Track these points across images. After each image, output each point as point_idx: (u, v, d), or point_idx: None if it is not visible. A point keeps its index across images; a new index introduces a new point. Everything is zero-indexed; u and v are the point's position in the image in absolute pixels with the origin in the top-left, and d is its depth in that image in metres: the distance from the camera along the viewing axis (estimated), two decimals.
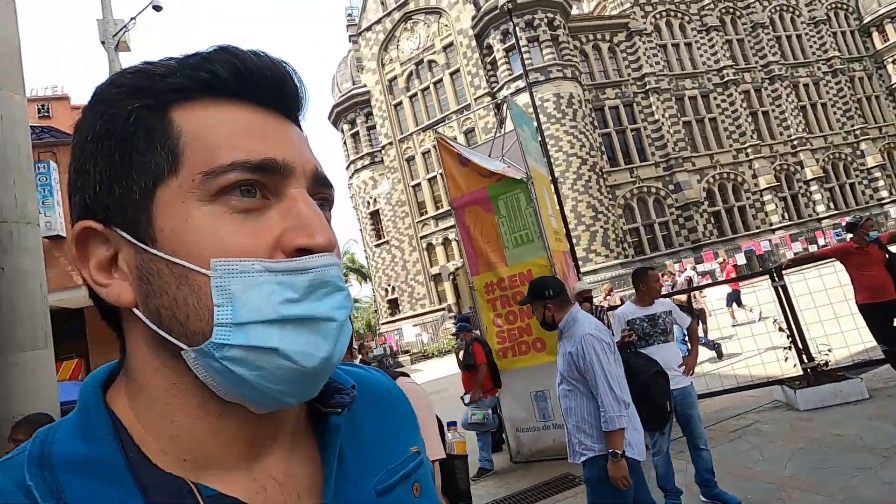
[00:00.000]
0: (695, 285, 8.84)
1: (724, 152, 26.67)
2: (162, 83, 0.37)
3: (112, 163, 0.37)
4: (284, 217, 0.37)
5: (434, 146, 25.19)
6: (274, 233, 0.36)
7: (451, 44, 25.07)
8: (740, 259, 20.67)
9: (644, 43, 26.25)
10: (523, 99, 22.55)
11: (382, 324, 27.58)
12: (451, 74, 25.27)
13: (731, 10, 28.75)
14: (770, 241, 24.07)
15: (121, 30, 9.59)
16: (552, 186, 5.23)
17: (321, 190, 0.41)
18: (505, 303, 4.65)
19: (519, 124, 4.77)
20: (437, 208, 25.12)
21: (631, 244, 24.03)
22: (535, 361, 4.53)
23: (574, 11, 27.26)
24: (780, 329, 4.46)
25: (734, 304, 10.15)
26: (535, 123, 7.53)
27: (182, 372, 0.37)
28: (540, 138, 7.21)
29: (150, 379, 0.38)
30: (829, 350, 4.30)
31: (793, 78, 28.76)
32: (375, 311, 31.08)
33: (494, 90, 23.78)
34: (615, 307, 5.20)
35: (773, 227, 25.88)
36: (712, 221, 25.44)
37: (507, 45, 23.11)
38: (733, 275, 12.24)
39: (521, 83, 22.65)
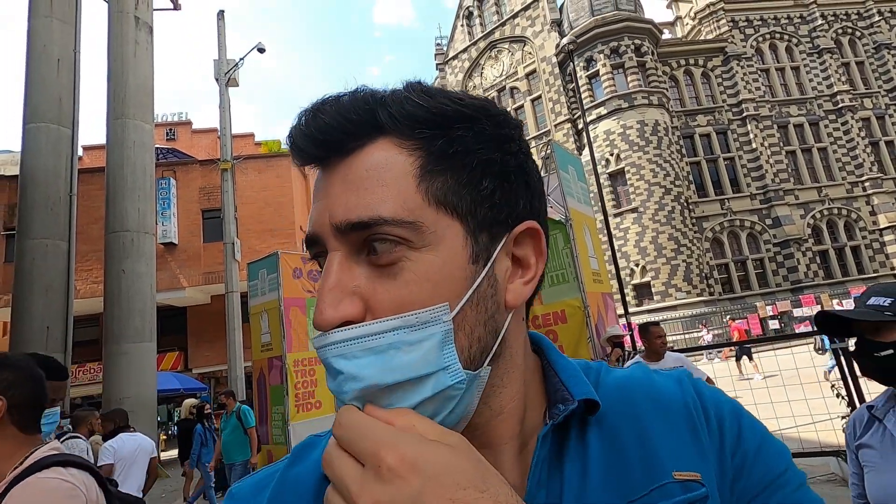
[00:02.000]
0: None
1: (836, 185, 24.05)
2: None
3: None
4: None
5: None
6: None
7: (533, 71, 25.35)
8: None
9: (743, 67, 24.68)
10: (605, 126, 22.16)
11: None
12: (533, 101, 25.49)
13: (850, 31, 26.16)
14: None
15: (231, 68, 11.05)
16: (595, 226, 5.23)
17: (363, 235, 0.37)
18: None
19: (562, 166, 4.88)
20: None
21: (718, 280, 22.35)
22: None
23: (666, 36, 26.40)
24: (839, 396, 4.08)
25: (744, 358, 9.39)
26: (590, 157, 7.54)
27: None
28: (594, 174, 7.17)
29: None
30: None
31: None
32: None
33: (575, 117, 23.59)
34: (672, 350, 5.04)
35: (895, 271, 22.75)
36: (818, 261, 22.93)
37: (590, 72, 22.92)
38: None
39: (602, 110, 22.29)
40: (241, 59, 10.81)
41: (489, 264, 0.38)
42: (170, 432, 18.38)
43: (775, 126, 24.40)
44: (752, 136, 23.96)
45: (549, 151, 4.70)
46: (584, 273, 4.48)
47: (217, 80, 11.15)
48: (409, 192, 0.37)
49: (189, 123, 20.25)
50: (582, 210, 5.02)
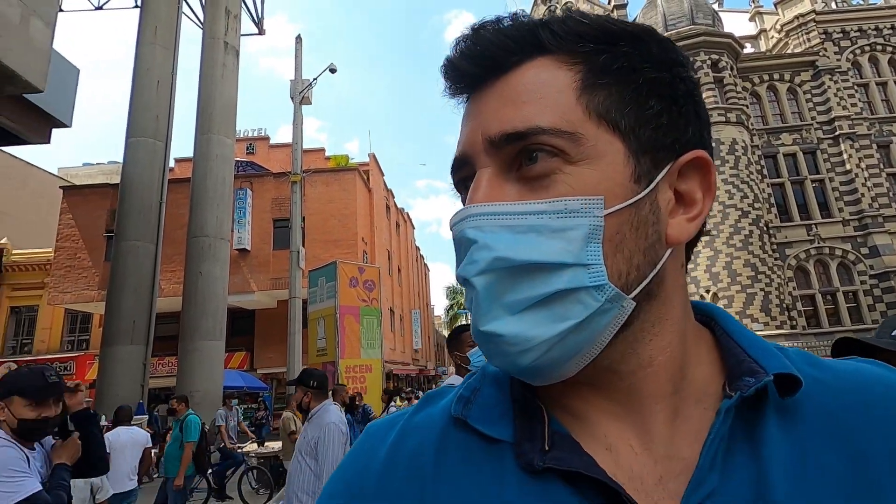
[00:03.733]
0: None
1: None
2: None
3: None
4: None
5: None
6: None
7: None
8: None
9: (836, 82, 22.72)
10: None
11: None
12: None
13: None
14: None
15: (305, 88, 11.79)
16: None
17: (518, 147, 0.36)
18: None
19: None
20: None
21: (802, 313, 20.43)
22: None
23: (748, 50, 24.94)
24: None
25: None
26: None
27: None
28: None
29: None
30: None
31: None
32: None
33: None
34: None
35: None
36: None
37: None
38: None
39: None
40: (315, 79, 11.55)
41: (652, 185, 0.36)
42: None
43: (874, 146, 22.14)
44: (846, 156, 21.90)
45: None
46: None
47: (292, 98, 11.95)
48: (569, 105, 0.36)
49: (267, 139, 21.77)
50: None
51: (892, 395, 0.36)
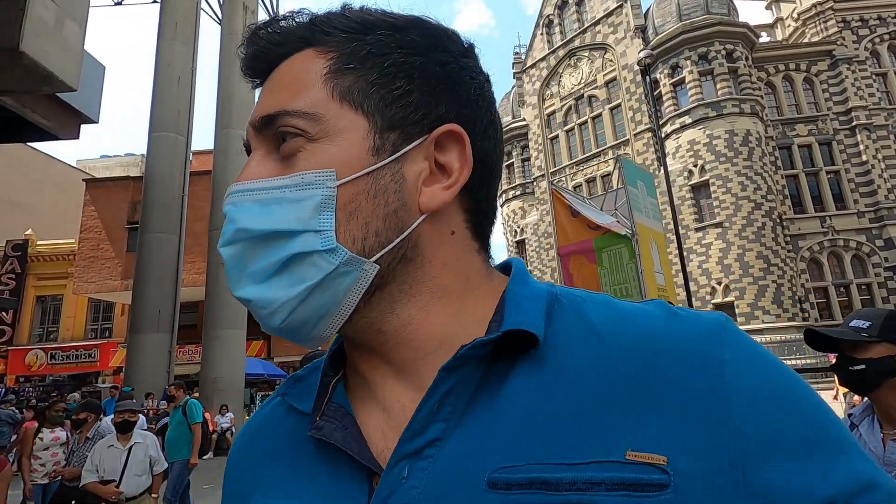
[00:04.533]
0: None
1: None
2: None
3: None
4: None
5: (587, 180, 24.96)
6: None
7: (614, 79, 24.71)
8: None
9: (854, 72, 22.38)
10: (689, 135, 21.13)
11: None
12: (612, 109, 24.82)
13: None
14: None
15: None
16: (664, 242, 5.16)
17: (273, 131, 0.39)
18: None
19: (631, 181, 4.92)
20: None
21: (815, 305, 20.38)
22: None
23: (763, 39, 24.61)
24: None
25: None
26: (660, 172, 7.34)
27: None
28: (666, 188, 6.96)
29: None
30: None
31: None
32: None
33: (662, 123, 22.68)
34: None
35: None
36: None
37: (674, 80, 21.95)
38: None
39: (687, 119, 21.25)
40: None
41: (392, 157, 0.39)
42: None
43: (892, 136, 21.85)
44: (862, 147, 21.64)
45: (618, 166, 4.75)
46: (648, 288, 4.50)
47: None
48: (315, 89, 0.39)
49: None
50: (650, 225, 5.01)
51: (638, 344, 0.36)
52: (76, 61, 6.15)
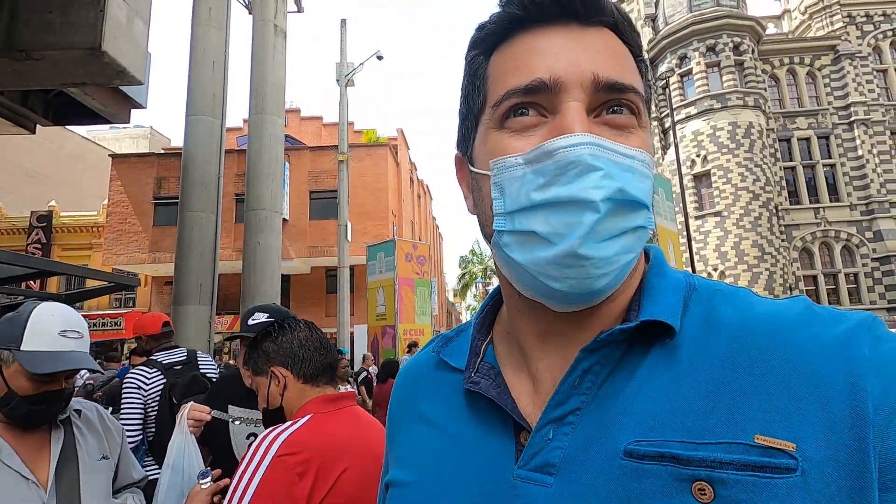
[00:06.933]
0: None
1: None
2: (486, 34, 0.45)
3: (464, 105, 0.48)
4: (552, 129, 0.39)
5: None
6: (539, 140, 0.39)
7: None
8: None
9: (856, 67, 22.99)
10: (693, 126, 21.79)
11: None
12: None
13: None
14: None
15: (351, 72, 12.57)
16: (678, 241, 6.01)
17: (612, 96, 0.40)
18: None
19: (654, 188, 5.76)
20: None
21: (804, 293, 21.48)
22: None
23: (770, 30, 25.05)
24: None
25: None
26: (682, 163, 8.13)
27: (502, 275, 0.46)
28: (679, 183, 7.72)
29: (501, 280, 0.48)
30: None
31: None
32: None
33: (663, 115, 23.29)
34: None
35: None
36: None
37: (682, 70, 22.47)
38: None
39: (692, 109, 21.88)
40: (362, 63, 12.32)
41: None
42: None
43: (888, 132, 22.63)
44: (858, 141, 22.43)
45: None
46: None
47: (338, 81, 12.74)
48: (638, 80, 0.42)
49: (298, 111, 22.51)
50: (668, 227, 5.84)
51: (775, 342, 0.36)
52: (143, 57, 6.85)
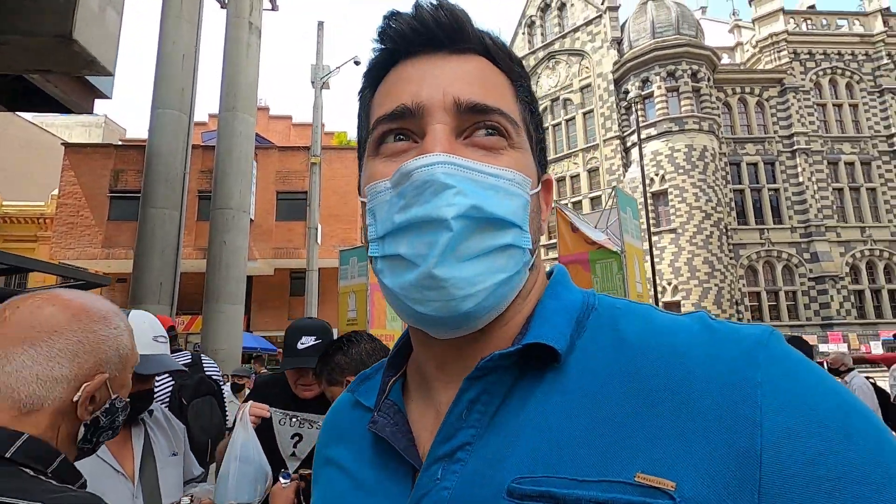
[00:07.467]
0: None
1: (880, 227, 24.07)
2: (371, 68, 0.47)
3: (357, 139, 0.49)
4: (419, 152, 0.40)
5: (557, 179, 26.39)
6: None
7: (588, 85, 26.11)
8: (876, 348, 18.79)
9: (799, 100, 24.82)
10: (653, 146, 22.87)
11: None
12: (585, 114, 26.28)
13: None
14: None
15: (327, 75, 12.54)
16: (643, 257, 6.40)
17: (478, 118, 0.41)
18: None
19: (623, 207, 6.09)
20: (550, 238, 26.25)
21: (749, 308, 22.89)
22: None
23: (725, 60, 26.67)
24: None
25: None
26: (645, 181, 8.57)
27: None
28: (644, 199, 8.14)
29: None
30: None
31: None
32: None
33: (625, 134, 24.32)
34: None
35: None
36: (852, 300, 23.13)
37: (645, 93, 23.58)
38: None
39: (652, 131, 22.97)
40: (338, 68, 12.29)
41: (539, 187, 0.45)
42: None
43: (825, 162, 24.52)
44: (800, 169, 24.18)
45: (613, 194, 5.88)
46: (630, 296, 5.70)
47: (313, 83, 12.66)
48: (511, 103, 0.44)
49: (267, 109, 22.10)
50: (634, 244, 6.20)
51: (669, 360, 0.35)
52: (114, 47, 6.68)
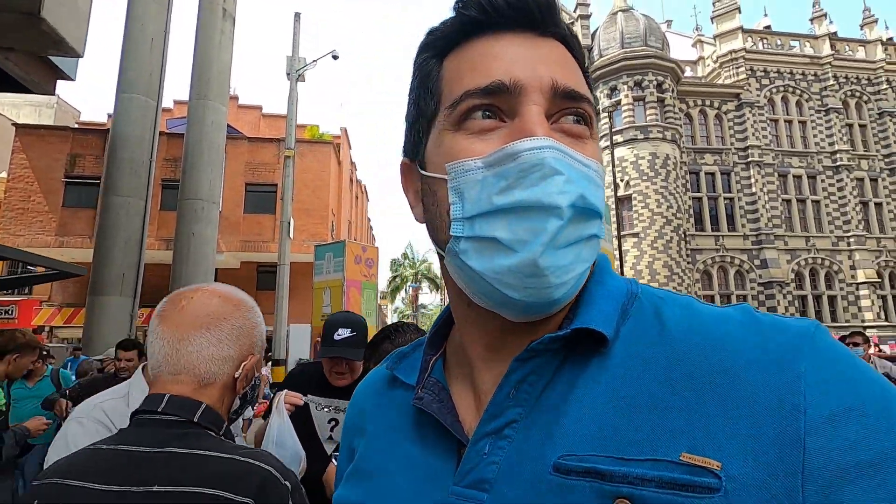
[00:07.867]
0: None
1: (823, 237, 25.77)
2: (440, 37, 0.45)
3: (414, 109, 0.46)
4: (513, 132, 0.39)
5: None
6: (500, 143, 0.39)
7: None
8: None
9: (754, 115, 26.23)
10: (619, 152, 23.65)
11: None
12: None
13: (858, 94, 27.77)
14: None
15: (303, 67, 12.37)
16: (613, 258, 6.73)
17: (568, 105, 0.41)
18: None
19: None
20: None
21: None
22: None
23: (688, 73, 27.83)
24: None
25: None
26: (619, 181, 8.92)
27: (452, 283, 0.44)
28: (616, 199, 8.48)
29: (449, 290, 0.46)
30: None
31: None
32: None
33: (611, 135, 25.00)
34: None
35: (865, 324, 24.52)
36: (796, 305, 24.67)
37: (612, 101, 24.35)
38: None
39: (619, 137, 23.76)
40: (315, 61, 12.14)
41: None
42: None
43: (776, 174, 26.01)
44: (753, 180, 25.56)
45: None
46: None
47: (288, 74, 12.47)
48: (587, 93, 0.43)
49: (236, 98, 21.51)
50: (605, 246, 6.51)
51: (711, 353, 0.36)
52: (84, 28, 6.46)
